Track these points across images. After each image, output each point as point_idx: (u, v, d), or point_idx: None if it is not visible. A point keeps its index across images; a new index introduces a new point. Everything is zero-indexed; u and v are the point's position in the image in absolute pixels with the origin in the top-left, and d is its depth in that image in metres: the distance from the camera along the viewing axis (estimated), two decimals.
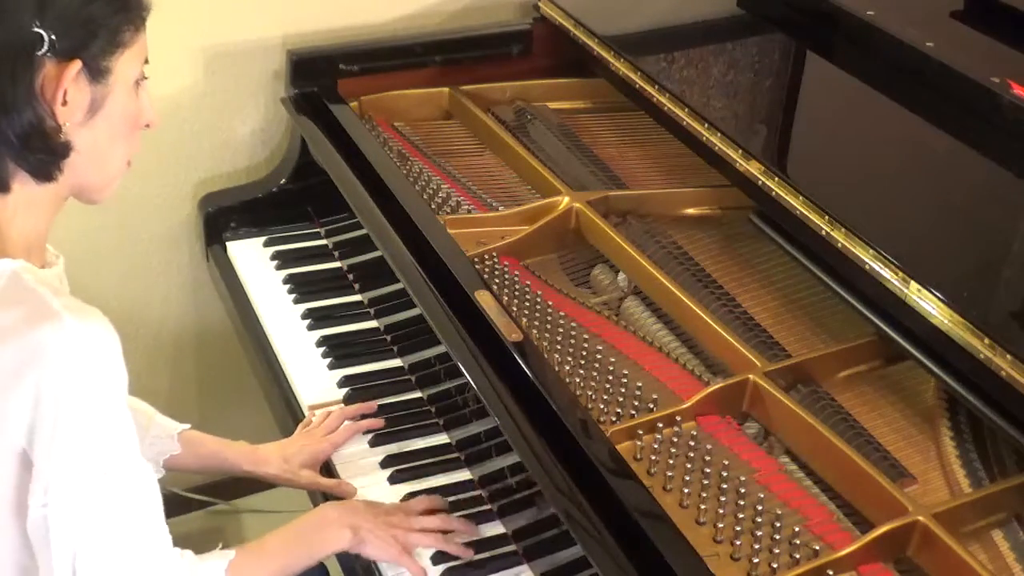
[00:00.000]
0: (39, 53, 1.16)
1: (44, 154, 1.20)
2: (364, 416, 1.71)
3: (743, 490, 1.40)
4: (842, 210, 1.51)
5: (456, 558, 1.47)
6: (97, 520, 1.18)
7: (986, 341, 1.31)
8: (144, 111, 1.29)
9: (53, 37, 1.15)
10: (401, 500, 1.57)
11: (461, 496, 1.57)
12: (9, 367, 1.14)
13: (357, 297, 1.97)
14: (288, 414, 1.77)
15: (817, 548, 1.33)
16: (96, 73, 1.20)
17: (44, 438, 1.15)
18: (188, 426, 1.63)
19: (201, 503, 2.47)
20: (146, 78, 1.29)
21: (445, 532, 1.50)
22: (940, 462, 1.45)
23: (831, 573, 1.29)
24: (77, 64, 1.18)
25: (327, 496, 1.59)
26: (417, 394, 1.77)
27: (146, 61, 1.27)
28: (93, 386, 1.16)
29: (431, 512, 1.52)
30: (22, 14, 1.15)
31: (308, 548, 1.43)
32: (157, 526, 1.24)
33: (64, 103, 1.18)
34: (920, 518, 1.31)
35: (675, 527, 1.28)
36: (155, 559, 1.24)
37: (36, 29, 1.15)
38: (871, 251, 1.45)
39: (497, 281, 1.72)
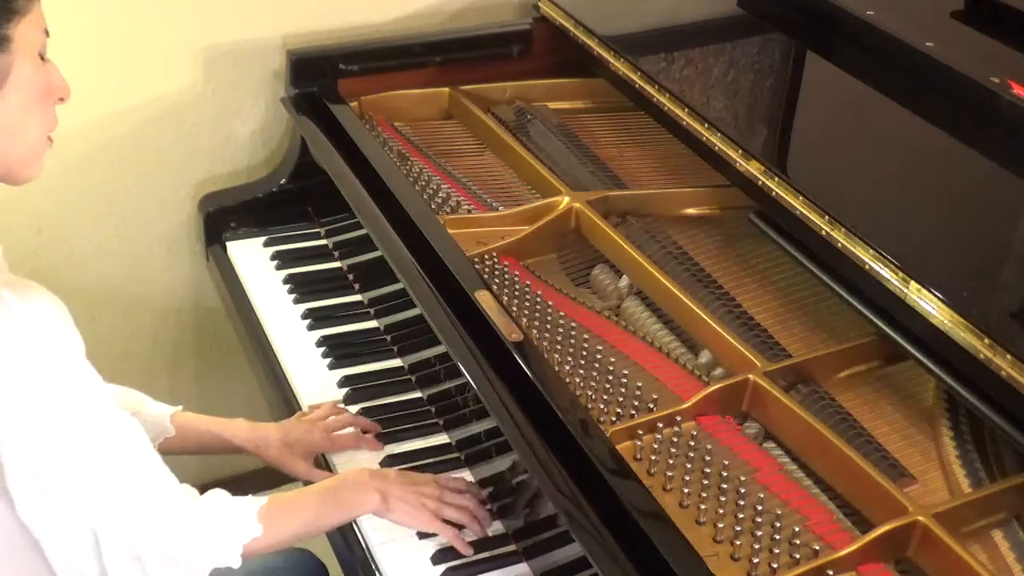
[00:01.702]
0: None
1: None
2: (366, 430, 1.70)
3: (743, 490, 1.40)
4: (842, 210, 1.51)
5: (456, 557, 1.48)
6: (100, 479, 1.19)
7: (986, 341, 1.31)
8: (55, 84, 1.28)
9: None
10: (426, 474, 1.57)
11: None
12: None
13: (357, 297, 1.97)
14: (288, 414, 1.77)
15: (817, 548, 1.33)
16: None
17: (7, 416, 1.15)
18: (180, 408, 1.63)
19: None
20: (45, 56, 1.27)
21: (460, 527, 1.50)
22: (940, 462, 1.45)
23: (831, 573, 1.29)
24: None
25: None
26: (417, 394, 1.77)
27: (46, 33, 1.26)
28: (46, 356, 1.17)
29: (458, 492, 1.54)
30: None
31: (339, 506, 1.44)
32: (158, 467, 1.25)
33: None
34: (920, 518, 1.31)
35: (675, 527, 1.28)
36: (168, 496, 1.25)
37: None
38: (871, 251, 1.45)
39: (497, 281, 1.72)
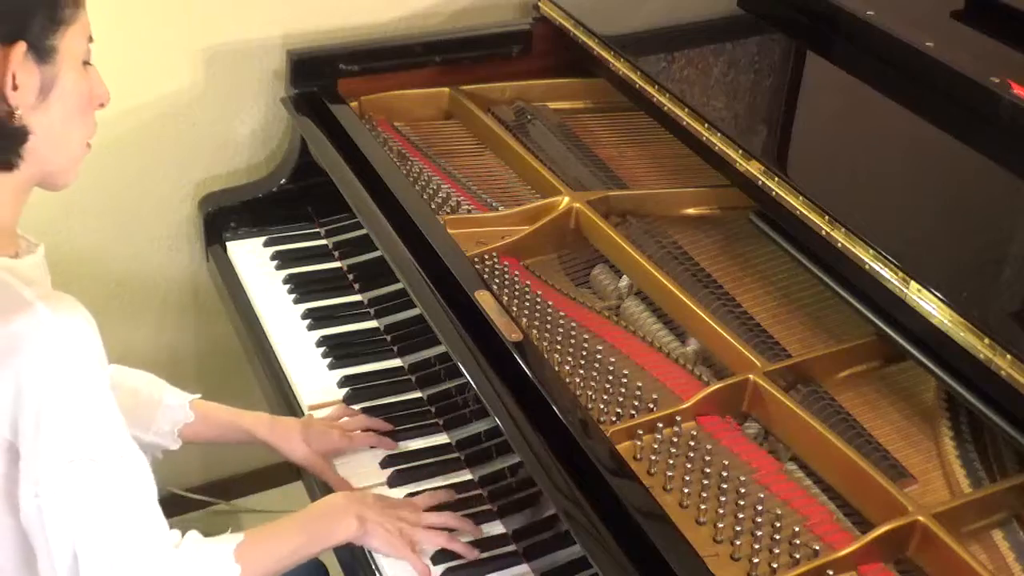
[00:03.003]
0: None
1: (1, 141, 1.19)
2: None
3: (743, 490, 1.40)
4: (842, 210, 1.51)
5: (457, 557, 1.48)
6: (91, 507, 1.18)
7: (986, 341, 1.31)
8: (96, 91, 1.28)
9: None
10: (404, 498, 1.57)
11: (461, 496, 1.57)
12: None
13: (357, 297, 1.97)
14: (288, 414, 1.77)
15: (817, 548, 1.33)
16: (42, 53, 1.19)
17: (28, 430, 1.15)
18: (199, 396, 1.63)
19: (200, 503, 2.47)
20: (89, 63, 1.27)
21: (451, 530, 1.50)
22: (940, 462, 1.45)
23: (831, 573, 1.29)
24: (22, 46, 1.16)
25: (328, 488, 1.59)
26: (417, 394, 1.77)
27: (90, 39, 1.26)
28: (73, 374, 1.17)
29: (437, 508, 1.53)
30: None
31: (316, 535, 1.43)
32: (152, 508, 1.24)
33: (15, 87, 1.17)
34: (920, 518, 1.31)
35: (675, 527, 1.28)
36: (154, 541, 1.24)
37: None
38: (871, 251, 1.45)
39: (497, 281, 1.72)
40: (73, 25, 1.21)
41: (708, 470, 1.43)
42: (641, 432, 1.46)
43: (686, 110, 1.78)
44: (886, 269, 1.43)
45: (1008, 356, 1.28)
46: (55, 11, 1.19)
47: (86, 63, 1.26)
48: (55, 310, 1.16)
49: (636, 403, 1.52)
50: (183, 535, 1.29)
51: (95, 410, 1.19)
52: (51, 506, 1.17)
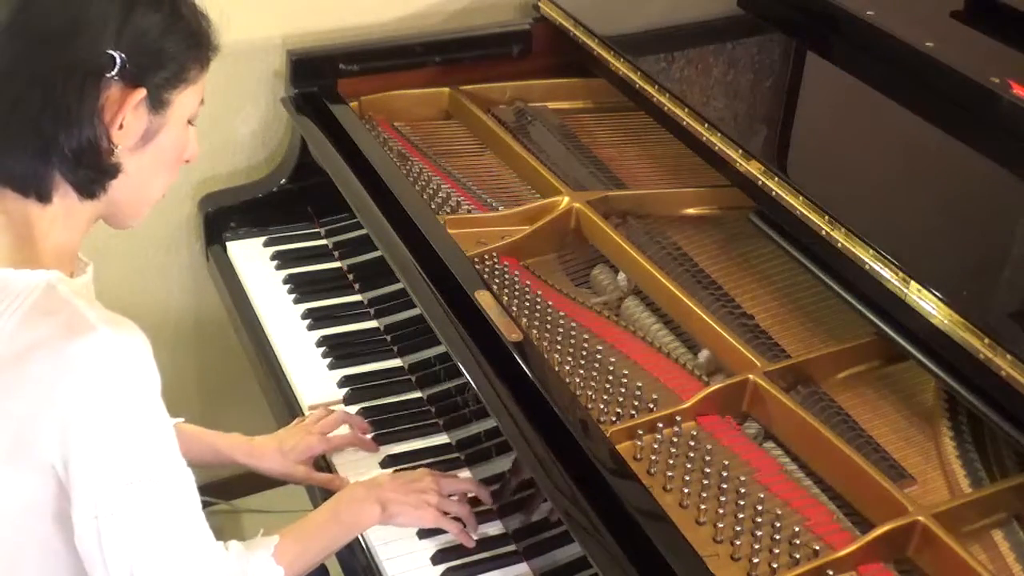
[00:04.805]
0: (108, 75, 1.18)
1: (93, 172, 1.22)
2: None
3: (743, 490, 1.40)
4: (842, 210, 1.51)
5: (456, 557, 1.48)
6: (151, 527, 1.19)
7: (986, 341, 1.31)
8: (190, 148, 1.32)
9: (125, 61, 1.18)
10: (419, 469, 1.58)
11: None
12: (44, 380, 1.15)
13: (357, 297, 1.97)
14: (288, 414, 1.77)
15: (817, 548, 1.33)
16: (157, 104, 1.23)
17: (84, 451, 1.15)
18: (182, 419, 1.63)
19: (201, 504, 2.46)
20: (193, 122, 1.31)
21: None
22: (940, 462, 1.45)
23: (831, 573, 1.29)
24: (142, 92, 1.20)
25: (326, 492, 1.59)
26: (417, 394, 1.77)
27: (201, 102, 1.30)
28: (130, 396, 1.17)
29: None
30: (101, 34, 1.17)
31: (343, 527, 1.46)
32: (203, 524, 1.26)
33: (120, 127, 1.20)
34: (920, 518, 1.31)
35: (675, 527, 1.28)
36: (206, 556, 1.25)
37: (110, 51, 1.17)
38: (871, 251, 1.45)
39: (497, 281, 1.72)
40: (194, 85, 1.26)
41: (708, 470, 1.43)
42: (641, 432, 1.46)
43: (686, 110, 1.78)
44: (886, 269, 1.43)
45: (1008, 356, 1.28)
46: (183, 70, 1.24)
47: (189, 121, 1.29)
48: (115, 333, 1.17)
49: (636, 403, 1.52)
50: (225, 546, 1.31)
51: (154, 432, 1.19)
52: (110, 527, 1.17)
